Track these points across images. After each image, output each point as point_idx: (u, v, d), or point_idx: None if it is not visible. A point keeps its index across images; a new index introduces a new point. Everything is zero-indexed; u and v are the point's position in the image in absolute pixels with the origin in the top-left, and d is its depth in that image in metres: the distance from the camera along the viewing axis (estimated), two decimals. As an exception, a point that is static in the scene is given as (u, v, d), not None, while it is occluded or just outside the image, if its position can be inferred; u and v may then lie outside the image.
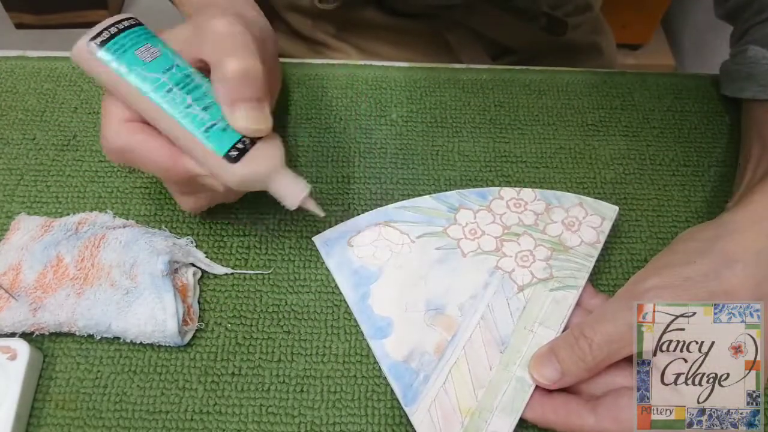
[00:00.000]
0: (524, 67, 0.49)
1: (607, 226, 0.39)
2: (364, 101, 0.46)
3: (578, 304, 0.36)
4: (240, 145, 0.31)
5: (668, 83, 0.48)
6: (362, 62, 0.48)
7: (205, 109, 0.31)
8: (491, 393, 0.34)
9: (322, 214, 0.35)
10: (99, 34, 0.30)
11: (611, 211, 0.40)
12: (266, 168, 0.32)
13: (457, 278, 0.37)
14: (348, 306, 0.38)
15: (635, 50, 1.47)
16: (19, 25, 1.49)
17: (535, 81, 0.48)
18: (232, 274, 0.39)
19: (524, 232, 0.39)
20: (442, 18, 0.55)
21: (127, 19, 0.31)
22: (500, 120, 0.45)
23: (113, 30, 0.30)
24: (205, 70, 0.33)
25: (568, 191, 0.41)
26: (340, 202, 0.41)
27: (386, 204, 0.40)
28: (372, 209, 0.40)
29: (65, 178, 0.42)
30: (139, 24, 0.32)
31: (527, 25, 0.56)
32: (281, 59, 0.48)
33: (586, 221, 0.39)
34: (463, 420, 0.33)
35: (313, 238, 0.39)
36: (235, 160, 0.31)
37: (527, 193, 0.40)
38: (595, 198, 0.40)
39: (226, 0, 0.38)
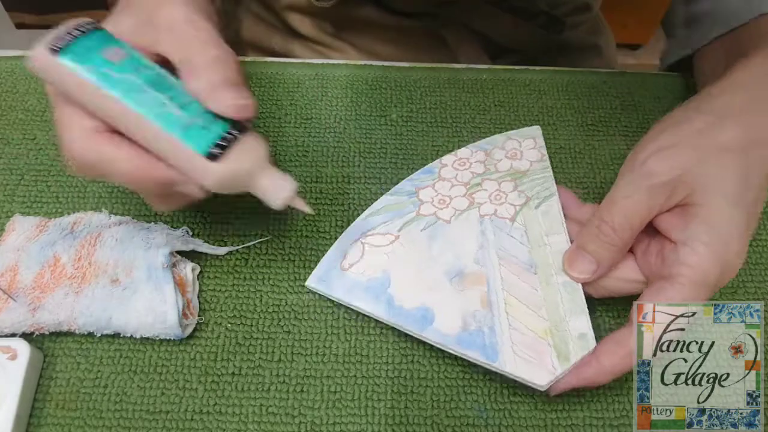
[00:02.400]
0: (524, 67, 0.49)
1: (541, 143, 0.42)
2: (364, 101, 0.46)
3: (570, 218, 0.38)
4: (222, 143, 0.29)
5: (668, 83, 0.48)
6: (362, 62, 0.48)
7: (182, 107, 0.29)
8: (552, 307, 0.35)
9: (310, 211, 0.33)
10: (59, 38, 0.28)
11: (536, 130, 0.43)
12: (249, 165, 0.30)
13: (456, 242, 0.38)
14: (375, 321, 0.37)
15: (635, 50, 1.46)
16: (20, 25, 1.49)
17: (535, 81, 0.48)
18: (235, 251, 0.39)
19: (482, 180, 0.41)
20: (440, 16, 0.55)
21: (87, 23, 0.29)
22: (500, 120, 0.45)
23: (75, 33, 0.28)
24: (161, 63, 0.31)
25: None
26: (340, 202, 0.41)
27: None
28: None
29: (65, 178, 0.42)
30: (100, 27, 0.29)
31: (525, 23, 0.56)
32: (281, 59, 0.48)
33: (523, 147, 0.42)
34: (548, 340, 0.34)
35: (306, 284, 0.38)
36: (216, 158, 0.29)
37: (464, 151, 0.43)
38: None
39: None
